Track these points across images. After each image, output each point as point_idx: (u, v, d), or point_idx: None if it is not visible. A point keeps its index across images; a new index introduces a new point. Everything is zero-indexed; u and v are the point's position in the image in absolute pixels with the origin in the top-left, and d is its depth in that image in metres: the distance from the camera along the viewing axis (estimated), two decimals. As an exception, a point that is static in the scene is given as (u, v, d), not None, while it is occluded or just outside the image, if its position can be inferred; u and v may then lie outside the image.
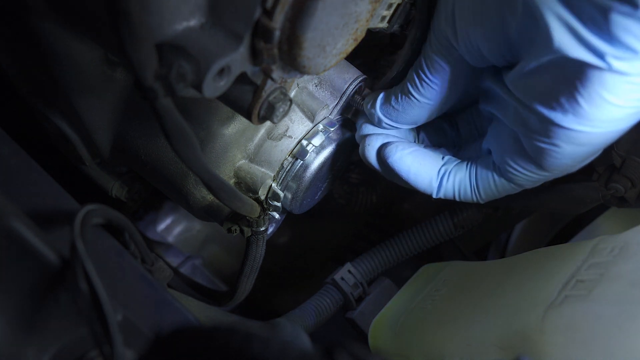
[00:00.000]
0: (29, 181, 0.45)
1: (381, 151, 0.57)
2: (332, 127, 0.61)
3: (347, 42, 0.46)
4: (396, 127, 0.58)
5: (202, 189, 0.59)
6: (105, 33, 0.44)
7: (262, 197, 0.60)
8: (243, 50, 0.39)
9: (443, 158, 0.57)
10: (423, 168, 0.56)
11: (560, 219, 0.81)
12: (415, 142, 0.61)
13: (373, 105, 0.57)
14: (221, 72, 0.38)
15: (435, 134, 0.61)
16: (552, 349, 0.45)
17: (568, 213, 0.78)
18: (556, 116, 0.45)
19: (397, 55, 0.57)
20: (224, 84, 0.40)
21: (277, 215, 0.62)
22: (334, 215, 0.90)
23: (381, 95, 0.57)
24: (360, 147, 0.59)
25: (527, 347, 0.47)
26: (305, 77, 0.59)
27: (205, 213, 0.61)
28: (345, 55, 0.47)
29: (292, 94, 0.59)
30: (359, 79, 0.61)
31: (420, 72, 0.53)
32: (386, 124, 0.57)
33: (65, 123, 0.57)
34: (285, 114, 0.45)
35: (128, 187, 0.70)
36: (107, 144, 0.60)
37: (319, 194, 0.65)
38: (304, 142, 0.59)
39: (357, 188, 0.89)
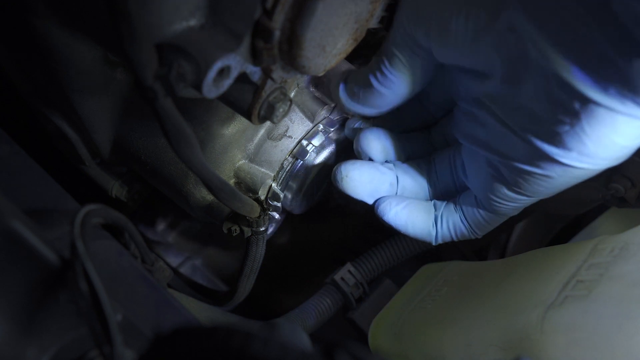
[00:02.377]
0: (29, 181, 0.45)
1: (376, 208, 0.58)
2: (332, 127, 0.61)
3: (347, 42, 0.46)
4: (365, 111, 0.55)
5: (202, 189, 0.59)
6: (105, 33, 0.44)
7: (262, 197, 0.60)
8: (243, 51, 0.39)
9: (434, 205, 0.57)
10: (418, 220, 0.57)
11: (560, 219, 0.81)
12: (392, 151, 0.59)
13: (337, 87, 0.55)
14: (221, 72, 0.38)
15: (413, 142, 0.60)
16: (552, 349, 0.45)
17: (568, 213, 0.77)
18: (557, 153, 0.44)
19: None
20: (224, 84, 0.40)
21: (277, 215, 0.62)
22: (334, 215, 0.90)
23: (346, 78, 0.54)
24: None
25: (527, 347, 0.47)
26: (305, 77, 0.59)
27: (205, 213, 0.61)
28: (345, 55, 0.47)
29: (292, 94, 0.59)
30: (359, 79, 0.61)
31: (381, 64, 0.51)
32: (349, 107, 0.55)
33: (65, 123, 0.57)
34: (285, 114, 0.45)
35: (128, 187, 0.70)
36: (107, 144, 0.60)
37: (318, 194, 0.65)
38: (304, 142, 0.59)
39: (357, 188, 0.89)
